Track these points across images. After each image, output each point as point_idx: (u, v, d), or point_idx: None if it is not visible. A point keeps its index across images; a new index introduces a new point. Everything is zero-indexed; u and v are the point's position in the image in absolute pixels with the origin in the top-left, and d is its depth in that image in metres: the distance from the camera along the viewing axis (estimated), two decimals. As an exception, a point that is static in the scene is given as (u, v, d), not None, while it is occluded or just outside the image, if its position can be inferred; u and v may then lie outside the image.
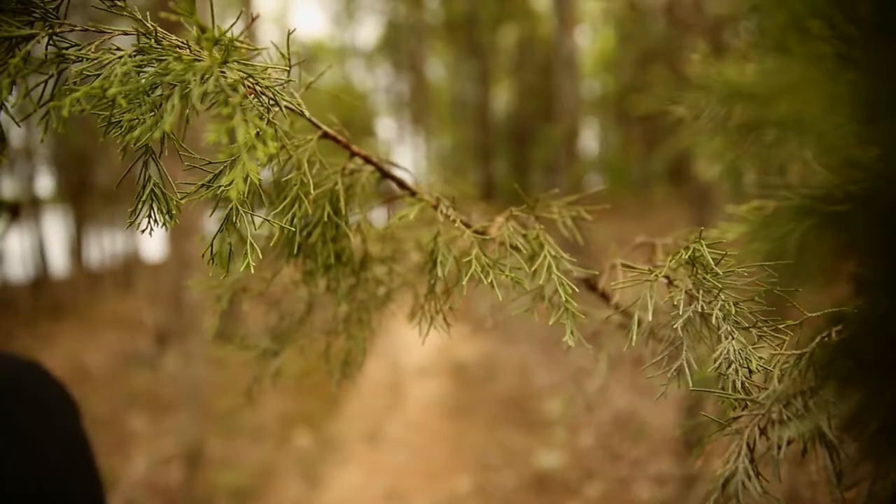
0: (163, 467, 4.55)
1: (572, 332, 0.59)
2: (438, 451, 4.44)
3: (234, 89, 0.42)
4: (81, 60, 0.49)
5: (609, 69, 18.01)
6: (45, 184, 13.74)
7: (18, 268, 13.20)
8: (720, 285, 0.54)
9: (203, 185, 0.49)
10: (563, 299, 0.57)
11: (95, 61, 0.48)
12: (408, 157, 23.25)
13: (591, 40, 18.09)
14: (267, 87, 0.49)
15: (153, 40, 0.49)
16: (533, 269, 0.58)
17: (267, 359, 0.89)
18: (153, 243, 13.38)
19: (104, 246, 15.31)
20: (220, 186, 0.47)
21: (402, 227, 0.76)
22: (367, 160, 0.67)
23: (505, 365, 6.25)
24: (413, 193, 0.67)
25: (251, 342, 0.91)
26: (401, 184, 0.68)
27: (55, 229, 13.49)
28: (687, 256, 0.55)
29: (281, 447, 4.66)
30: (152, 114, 0.45)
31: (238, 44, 0.46)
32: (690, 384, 0.56)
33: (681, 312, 0.55)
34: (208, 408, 4.31)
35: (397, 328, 8.28)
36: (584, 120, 17.22)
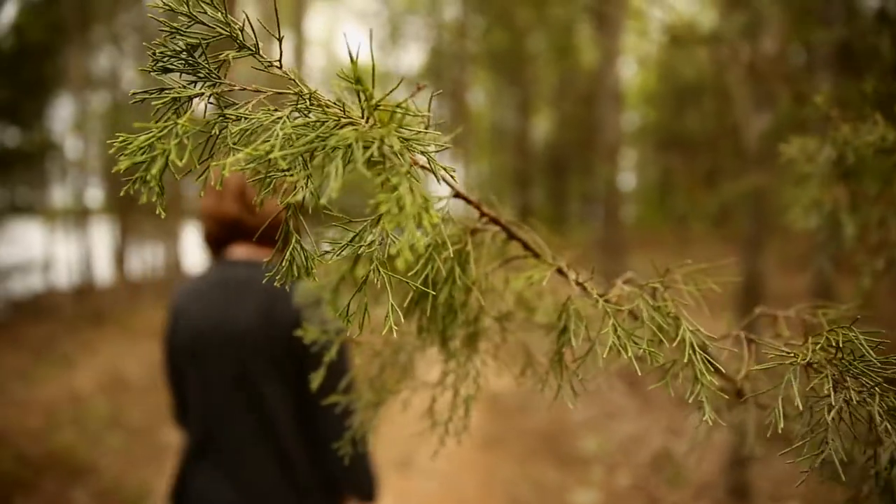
0: (196, 481, 4.59)
1: (703, 407, 0.58)
2: (469, 482, 4.38)
3: (400, 156, 0.43)
4: (240, 119, 0.52)
5: (650, 101, 17.95)
6: (94, 195, 14.24)
7: (63, 275, 13.65)
8: (878, 378, 0.52)
9: (346, 244, 0.51)
10: (700, 375, 0.56)
11: (255, 121, 0.50)
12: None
13: (632, 73, 18.09)
14: (422, 153, 0.51)
15: (309, 102, 0.52)
16: (674, 344, 0.58)
17: (369, 410, 0.89)
18: (193, 256, 13.70)
19: (146, 257, 15.74)
20: (359, 245, 0.49)
21: (501, 281, 0.77)
22: (495, 221, 0.69)
23: (539, 399, 6.16)
24: (536, 255, 0.68)
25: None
26: (525, 245, 0.69)
27: (101, 239, 13.93)
28: (835, 341, 0.54)
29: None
30: (307, 176, 0.47)
31: (399, 110, 0.48)
32: (842, 475, 0.54)
33: (833, 401, 0.53)
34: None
35: (429, 355, 8.26)
36: (623, 151, 17.15)
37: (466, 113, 19.19)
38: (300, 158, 0.47)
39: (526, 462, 4.64)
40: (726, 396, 0.57)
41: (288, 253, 0.52)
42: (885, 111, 0.74)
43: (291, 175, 0.46)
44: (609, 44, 9.52)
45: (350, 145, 0.42)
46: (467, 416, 0.81)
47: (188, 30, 0.52)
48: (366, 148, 0.43)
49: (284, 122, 0.48)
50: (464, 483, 4.35)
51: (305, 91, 0.52)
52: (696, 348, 0.57)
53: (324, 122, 0.48)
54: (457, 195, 0.64)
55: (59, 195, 14.86)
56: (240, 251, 1.71)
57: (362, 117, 0.49)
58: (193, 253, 13.40)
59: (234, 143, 0.49)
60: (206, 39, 0.52)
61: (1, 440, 5.27)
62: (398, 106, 0.47)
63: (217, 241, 1.73)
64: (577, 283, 0.64)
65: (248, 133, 0.50)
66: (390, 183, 0.42)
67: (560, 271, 0.66)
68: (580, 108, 16.20)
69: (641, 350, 0.56)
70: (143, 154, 0.47)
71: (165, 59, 0.51)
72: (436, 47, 18.62)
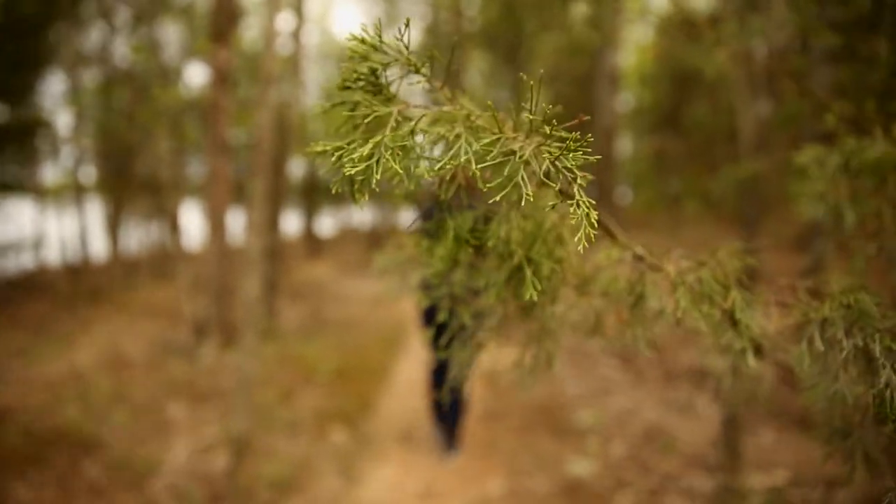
0: (203, 455, 4.70)
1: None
2: (471, 454, 4.52)
3: (572, 173, 0.54)
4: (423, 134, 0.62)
5: (645, 83, 17.96)
6: (88, 172, 14.14)
7: (56, 253, 13.61)
8: (878, 327, 0.64)
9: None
10: (745, 329, 0.66)
11: (437, 135, 0.60)
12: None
13: (629, 54, 18.06)
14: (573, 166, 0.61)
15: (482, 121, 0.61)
16: (727, 307, 0.67)
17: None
18: (190, 235, 13.67)
19: (140, 235, 15.70)
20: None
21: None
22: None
23: (538, 374, 6.31)
24: (613, 237, 0.77)
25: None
26: (606, 229, 0.79)
27: (94, 217, 13.87)
28: (847, 301, 0.65)
29: (317, 442, 4.78)
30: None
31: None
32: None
33: (845, 345, 0.64)
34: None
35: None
36: (618, 132, 17.20)
37: (462, 91, 19.12)
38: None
39: (524, 434, 4.79)
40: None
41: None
42: (884, 127, 0.85)
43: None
44: (607, 26, 9.54)
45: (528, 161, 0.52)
46: (550, 367, 0.92)
47: (371, 57, 0.60)
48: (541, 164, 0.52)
49: (468, 138, 0.58)
50: (466, 455, 4.49)
51: (470, 111, 0.62)
52: (744, 310, 0.67)
53: (498, 139, 0.57)
54: (561, 192, 0.74)
55: (50, 172, 14.74)
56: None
57: (523, 136, 0.58)
58: (191, 230, 13.37)
59: (423, 153, 0.59)
60: (384, 64, 0.61)
61: (6, 417, 5.35)
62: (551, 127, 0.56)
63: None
64: (648, 260, 0.73)
65: (434, 142, 0.59)
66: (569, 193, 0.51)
67: (626, 247, 0.75)
68: (575, 89, 16.19)
69: (703, 311, 0.66)
70: (365, 161, 0.56)
71: (352, 81, 0.59)
72: (431, 26, 18.46)
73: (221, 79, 6.67)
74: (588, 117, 0.61)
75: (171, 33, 13.68)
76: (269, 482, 4.14)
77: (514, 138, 0.56)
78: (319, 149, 0.59)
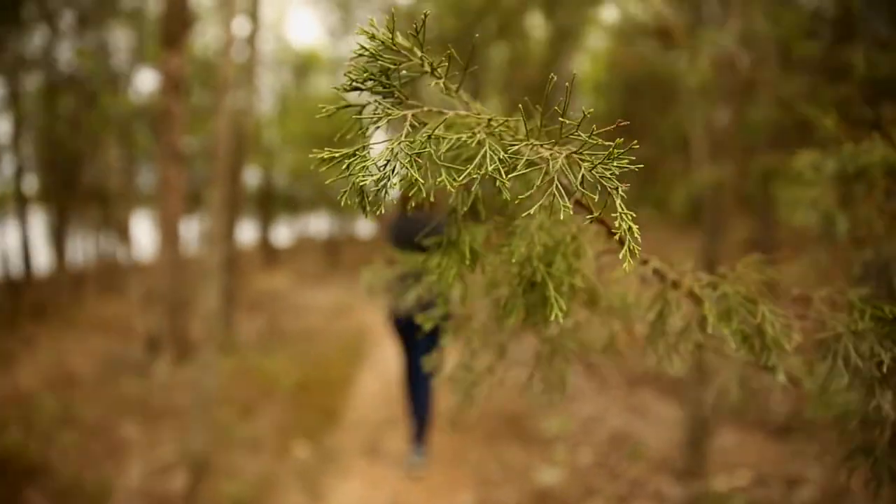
0: (160, 476, 4.51)
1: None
2: (438, 465, 4.47)
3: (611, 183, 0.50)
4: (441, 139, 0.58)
5: (600, 91, 18.32)
6: (31, 181, 13.51)
7: (-3, 266, 12.93)
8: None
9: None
10: (774, 344, 0.65)
11: (456, 139, 0.55)
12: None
13: (583, 62, 18.40)
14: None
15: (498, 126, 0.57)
16: (757, 323, 0.66)
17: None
18: (141, 246, 13.21)
19: (88, 247, 15.07)
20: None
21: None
22: (606, 226, 0.76)
23: (500, 382, 6.31)
24: (633, 254, 0.75)
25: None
26: (622, 242, 0.76)
27: (38, 228, 13.26)
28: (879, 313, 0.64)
29: (280, 459, 4.65)
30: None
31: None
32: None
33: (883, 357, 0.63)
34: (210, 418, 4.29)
35: (389, 342, 8.29)
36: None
37: (418, 100, 19.11)
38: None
39: (492, 444, 4.77)
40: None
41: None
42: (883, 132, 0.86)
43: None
44: (560, 34, 9.68)
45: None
46: (564, 385, 0.89)
47: (383, 56, 0.56)
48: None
49: (492, 144, 0.54)
50: (433, 467, 4.43)
51: (490, 115, 0.58)
52: (774, 325, 0.66)
53: (525, 146, 0.54)
54: (577, 202, 0.71)
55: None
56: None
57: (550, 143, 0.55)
58: (142, 241, 12.91)
59: (442, 159, 0.55)
60: (397, 64, 0.57)
61: (-60, 443, 5.02)
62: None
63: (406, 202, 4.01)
64: (670, 275, 0.71)
65: (455, 147, 0.55)
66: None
67: (644, 262, 0.73)
68: (530, 96, 16.35)
69: (733, 327, 0.64)
70: (382, 169, 0.51)
71: (361, 81, 0.55)
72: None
73: (174, 85, 6.47)
74: (627, 122, 0.58)
75: (120, 38, 13.23)
76: (231, 501, 3.99)
77: (542, 145, 0.53)
78: (326, 156, 0.54)
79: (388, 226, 4.79)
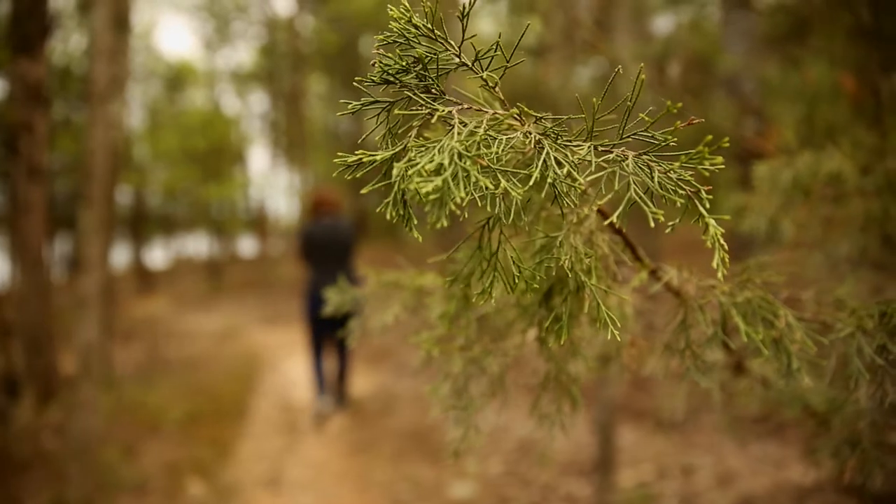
0: (27, 534, 3.99)
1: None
2: (345, 490, 4.33)
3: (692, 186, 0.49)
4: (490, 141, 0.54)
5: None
6: None
7: None
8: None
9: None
10: (802, 348, 0.67)
11: (488, 137, 0.50)
12: (281, 184, 22.61)
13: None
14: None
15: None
16: (778, 333, 0.68)
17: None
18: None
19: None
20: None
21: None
22: (623, 237, 0.74)
23: (400, 398, 6.25)
24: (652, 270, 0.74)
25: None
26: (636, 255, 0.75)
27: None
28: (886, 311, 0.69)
29: (172, 500, 4.28)
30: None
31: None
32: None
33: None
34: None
35: (284, 365, 7.96)
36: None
37: (300, 116, 18.72)
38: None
39: (399, 462, 4.70)
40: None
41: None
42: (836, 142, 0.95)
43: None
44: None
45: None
46: (576, 407, 0.87)
47: (418, 44, 0.51)
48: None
49: (552, 145, 0.50)
50: (340, 492, 4.29)
51: (540, 115, 0.55)
52: (797, 329, 0.69)
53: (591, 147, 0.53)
54: (599, 211, 0.69)
55: None
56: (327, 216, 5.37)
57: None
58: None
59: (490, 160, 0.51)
60: (436, 54, 0.52)
61: None
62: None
63: (318, 211, 5.40)
64: (693, 282, 0.72)
65: (506, 149, 0.51)
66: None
67: (654, 273, 0.73)
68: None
69: (760, 335, 0.66)
70: (435, 175, 0.44)
71: (393, 73, 0.49)
72: (267, 46, 17.91)
73: (34, 96, 5.85)
74: (702, 120, 0.57)
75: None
76: (117, 554, 3.61)
77: (602, 145, 0.51)
78: (365, 159, 0.48)
79: (302, 234, 5.52)
